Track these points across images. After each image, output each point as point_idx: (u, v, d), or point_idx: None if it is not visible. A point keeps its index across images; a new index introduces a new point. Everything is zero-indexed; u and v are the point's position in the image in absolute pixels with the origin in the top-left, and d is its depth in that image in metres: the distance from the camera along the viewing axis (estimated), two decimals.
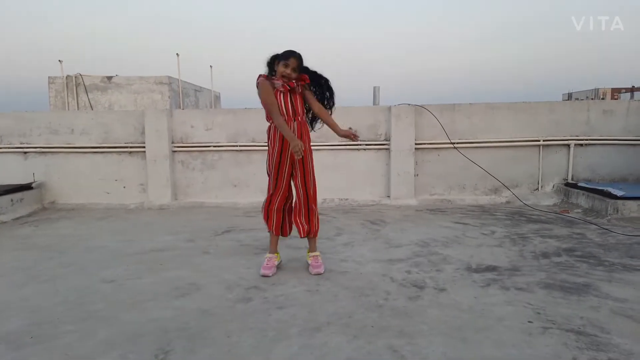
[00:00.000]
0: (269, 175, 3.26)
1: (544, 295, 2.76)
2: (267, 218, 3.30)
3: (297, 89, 3.13)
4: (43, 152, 6.18)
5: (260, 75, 3.15)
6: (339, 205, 5.88)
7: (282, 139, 3.11)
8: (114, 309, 2.66)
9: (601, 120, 5.98)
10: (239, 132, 6.04)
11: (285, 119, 3.10)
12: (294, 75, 3.07)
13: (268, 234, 3.36)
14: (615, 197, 4.80)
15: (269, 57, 3.17)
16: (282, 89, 3.09)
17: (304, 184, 3.23)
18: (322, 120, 3.31)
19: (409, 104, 5.96)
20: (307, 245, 3.38)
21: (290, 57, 3.05)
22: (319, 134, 6.05)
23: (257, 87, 3.13)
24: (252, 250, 3.85)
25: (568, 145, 5.97)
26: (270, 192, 3.26)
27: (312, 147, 3.33)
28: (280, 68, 3.06)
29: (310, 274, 3.20)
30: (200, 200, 6.11)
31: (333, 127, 3.32)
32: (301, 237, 3.33)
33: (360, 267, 3.36)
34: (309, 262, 3.29)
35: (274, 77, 3.11)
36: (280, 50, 3.13)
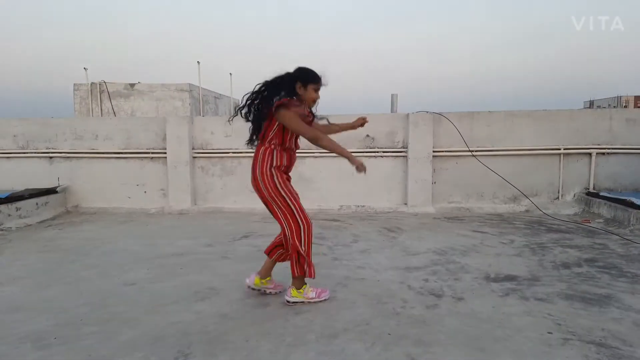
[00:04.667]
0: (294, 212, 2.71)
1: (564, 306, 2.72)
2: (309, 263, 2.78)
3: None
4: (68, 157, 6.35)
5: (283, 100, 2.69)
6: (355, 212, 5.89)
7: (289, 162, 2.80)
8: (136, 312, 2.72)
9: (624, 129, 5.87)
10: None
11: (294, 151, 2.82)
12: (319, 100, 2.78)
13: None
14: (638, 207, 4.70)
15: (288, 77, 2.73)
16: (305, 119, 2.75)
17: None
18: (333, 132, 3.04)
19: (427, 112, 5.96)
20: (323, 252, 3.23)
21: (319, 81, 2.74)
22: (336, 140, 6.10)
23: (279, 110, 2.66)
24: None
25: (589, 154, 5.87)
26: (305, 226, 2.72)
27: (329, 154, 3.19)
28: (312, 94, 2.73)
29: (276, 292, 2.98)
30: (219, 206, 6.18)
31: (344, 129, 3.07)
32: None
33: (377, 275, 3.36)
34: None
35: (295, 101, 2.72)
36: (287, 66, 2.76)
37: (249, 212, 5.91)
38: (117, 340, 2.35)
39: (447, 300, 2.83)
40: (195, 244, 4.37)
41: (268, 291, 2.97)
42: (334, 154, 2.96)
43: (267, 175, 2.70)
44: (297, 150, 2.92)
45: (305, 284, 2.83)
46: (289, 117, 2.65)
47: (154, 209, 6.15)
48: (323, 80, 2.77)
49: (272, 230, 4.79)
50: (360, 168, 2.65)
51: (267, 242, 4.36)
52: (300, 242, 2.70)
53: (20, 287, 3.21)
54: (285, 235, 2.76)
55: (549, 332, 2.37)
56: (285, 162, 2.77)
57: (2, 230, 5.05)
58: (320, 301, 2.82)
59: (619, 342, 2.26)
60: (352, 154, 2.75)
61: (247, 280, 2.98)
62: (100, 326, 2.52)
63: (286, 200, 2.71)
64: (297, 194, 2.78)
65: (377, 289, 3.04)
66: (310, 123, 2.81)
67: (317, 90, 2.76)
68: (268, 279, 2.98)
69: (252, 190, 2.81)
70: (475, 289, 3.03)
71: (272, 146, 2.73)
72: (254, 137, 2.85)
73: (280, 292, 2.97)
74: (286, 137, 2.75)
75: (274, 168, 2.72)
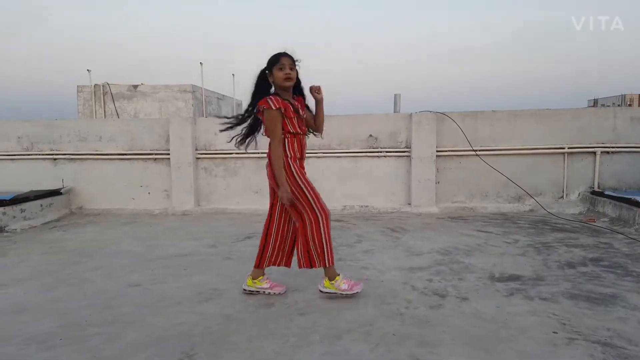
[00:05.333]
0: (316, 200, 2.81)
1: (569, 305, 2.71)
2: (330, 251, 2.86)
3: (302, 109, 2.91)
4: (72, 158, 6.37)
5: (268, 99, 2.73)
6: (359, 213, 5.88)
7: (300, 147, 2.87)
8: (140, 313, 2.72)
9: (629, 128, 5.85)
10: (261, 139, 6.11)
11: (302, 135, 2.88)
12: (294, 74, 2.76)
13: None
14: None
15: (260, 75, 2.82)
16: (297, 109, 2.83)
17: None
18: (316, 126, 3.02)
19: (430, 111, 5.95)
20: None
21: (280, 57, 2.72)
22: (339, 141, 6.11)
23: (265, 112, 2.74)
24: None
25: (594, 153, 5.85)
26: (324, 213, 2.82)
27: (332, 154, 3.21)
28: (278, 74, 2.71)
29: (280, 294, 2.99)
30: (222, 207, 6.19)
31: (318, 112, 2.98)
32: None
33: (380, 275, 3.35)
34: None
35: (274, 98, 2.75)
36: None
37: (252, 213, 5.91)
38: (121, 341, 2.36)
39: (451, 301, 2.82)
40: (198, 245, 4.37)
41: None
42: (336, 154, 3.03)
43: (286, 170, 2.78)
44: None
45: (339, 275, 2.89)
46: (270, 117, 2.73)
47: (157, 210, 6.17)
48: (283, 55, 2.73)
49: None
50: (283, 200, 2.74)
51: None
52: (320, 233, 2.79)
53: (25, 288, 3.22)
54: (302, 227, 2.83)
55: (554, 332, 2.36)
56: (297, 149, 2.83)
57: (7, 231, 5.08)
58: (353, 294, 2.86)
59: (625, 341, 2.25)
60: (289, 180, 2.80)
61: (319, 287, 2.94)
62: (104, 327, 2.53)
63: (305, 193, 2.79)
64: (312, 185, 2.86)
65: (381, 290, 3.04)
66: (298, 114, 2.82)
67: (281, 68, 2.71)
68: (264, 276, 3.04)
69: (269, 185, 2.92)
70: (479, 288, 3.02)
71: (282, 136, 2.79)
72: (246, 140, 2.98)
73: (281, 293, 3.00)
74: (286, 124, 2.78)
75: (290, 159, 2.80)
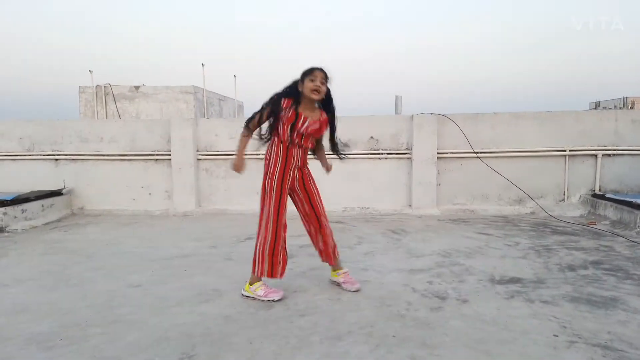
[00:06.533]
0: (270, 200, 2.89)
1: (570, 308, 2.70)
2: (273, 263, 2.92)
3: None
4: (73, 159, 6.38)
5: (286, 97, 2.87)
6: (360, 214, 5.88)
7: (290, 156, 2.93)
8: (141, 313, 2.73)
9: (630, 130, 5.84)
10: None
11: (297, 145, 2.93)
12: (324, 88, 2.86)
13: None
14: None
15: (291, 84, 2.92)
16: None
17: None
18: (316, 152, 3.17)
19: (431, 113, 5.95)
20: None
21: (314, 70, 2.85)
22: (340, 143, 6.10)
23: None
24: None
25: (595, 156, 5.85)
26: (275, 226, 2.88)
27: (334, 155, 3.24)
28: (308, 84, 2.82)
29: (349, 291, 3.04)
30: (223, 208, 6.20)
31: (321, 159, 3.20)
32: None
33: (381, 277, 3.35)
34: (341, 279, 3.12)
35: (289, 103, 2.86)
36: (289, 67, 2.99)
37: (253, 214, 5.91)
38: (122, 342, 2.36)
39: (451, 303, 2.82)
40: (199, 245, 4.38)
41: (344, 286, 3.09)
42: (335, 155, 3.12)
43: (269, 171, 2.92)
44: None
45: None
46: (266, 101, 2.91)
47: (158, 211, 6.17)
48: (318, 69, 2.86)
49: None
50: (233, 167, 2.93)
51: None
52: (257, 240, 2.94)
53: (25, 288, 3.23)
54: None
55: (554, 335, 2.36)
56: (286, 156, 2.91)
57: (8, 232, 5.09)
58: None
59: (625, 345, 2.24)
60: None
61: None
62: (105, 328, 2.53)
63: (264, 198, 2.90)
64: (282, 193, 2.91)
65: (382, 291, 3.03)
66: (298, 127, 2.87)
67: (312, 80, 2.83)
68: (339, 270, 3.14)
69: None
70: (480, 291, 3.02)
71: (274, 140, 2.93)
72: (265, 134, 3.02)
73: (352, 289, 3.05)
74: (284, 131, 2.86)
75: (272, 164, 2.91)
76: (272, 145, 2.94)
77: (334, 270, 3.16)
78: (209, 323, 2.57)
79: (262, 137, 2.99)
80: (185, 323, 2.57)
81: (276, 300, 2.87)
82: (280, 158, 2.91)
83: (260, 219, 2.93)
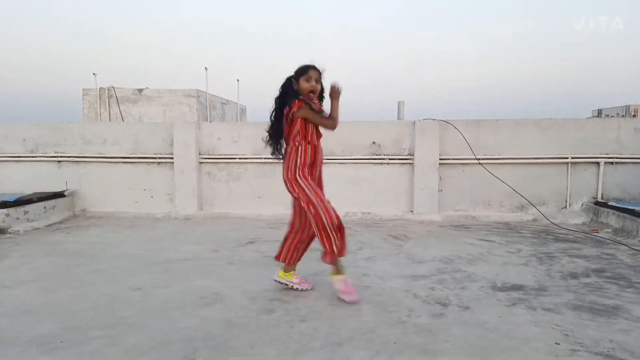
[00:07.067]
0: (318, 202, 2.91)
1: (572, 316, 2.70)
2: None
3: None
4: (76, 161, 6.40)
5: (296, 100, 2.88)
6: (361, 219, 5.88)
7: (314, 157, 2.98)
8: (142, 317, 2.73)
9: (633, 138, 5.84)
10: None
11: (317, 145, 3.00)
12: (319, 87, 2.93)
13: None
14: None
15: (287, 82, 2.96)
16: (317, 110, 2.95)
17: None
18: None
19: (433, 119, 5.96)
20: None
21: (309, 69, 2.88)
22: (343, 147, 6.12)
23: (299, 110, 2.86)
24: (275, 262, 3.88)
25: (597, 163, 5.84)
26: (331, 212, 2.93)
27: (335, 161, 3.29)
28: (304, 84, 2.87)
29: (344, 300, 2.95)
30: (225, 211, 6.20)
31: (333, 108, 3.07)
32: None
33: (382, 283, 3.35)
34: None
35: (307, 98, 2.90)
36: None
37: (254, 217, 5.91)
38: (123, 345, 2.36)
39: (453, 310, 2.81)
40: (201, 249, 4.38)
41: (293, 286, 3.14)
42: (339, 161, 3.18)
43: (292, 172, 2.92)
44: None
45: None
46: (312, 114, 2.89)
47: (160, 214, 6.18)
48: (312, 68, 2.89)
49: (278, 236, 4.77)
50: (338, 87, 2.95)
51: (273, 248, 4.35)
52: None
53: (27, 290, 3.23)
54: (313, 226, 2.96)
55: (556, 343, 2.35)
56: (309, 157, 2.94)
57: (10, 233, 5.09)
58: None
59: (627, 353, 2.23)
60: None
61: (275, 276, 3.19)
62: (106, 330, 2.53)
63: (306, 193, 2.89)
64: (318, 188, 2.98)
65: (383, 297, 3.03)
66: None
67: (308, 80, 2.87)
68: (292, 272, 3.17)
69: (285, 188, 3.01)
70: (481, 298, 3.01)
71: (297, 143, 2.92)
72: (277, 147, 3.08)
73: (306, 289, 3.13)
74: (308, 132, 2.92)
75: (300, 167, 2.91)
76: (294, 146, 2.93)
77: (288, 271, 3.18)
78: (210, 327, 2.57)
79: (277, 150, 3.10)
80: (186, 327, 2.57)
81: (307, 290, 3.09)
82: (308, 155, 2.94)
83: (311, 205, 2.86)
